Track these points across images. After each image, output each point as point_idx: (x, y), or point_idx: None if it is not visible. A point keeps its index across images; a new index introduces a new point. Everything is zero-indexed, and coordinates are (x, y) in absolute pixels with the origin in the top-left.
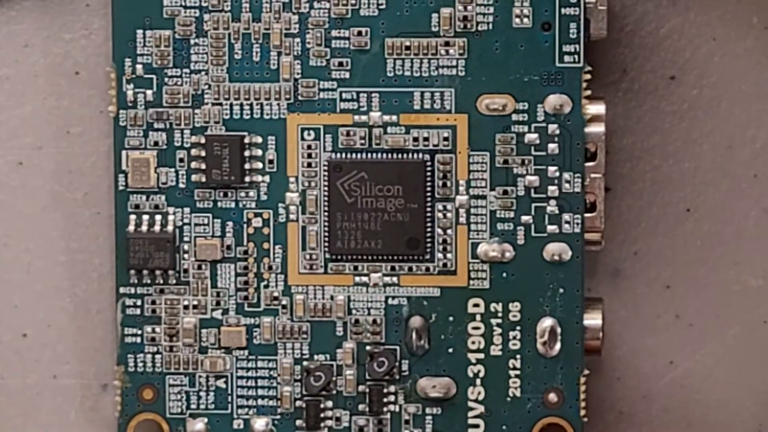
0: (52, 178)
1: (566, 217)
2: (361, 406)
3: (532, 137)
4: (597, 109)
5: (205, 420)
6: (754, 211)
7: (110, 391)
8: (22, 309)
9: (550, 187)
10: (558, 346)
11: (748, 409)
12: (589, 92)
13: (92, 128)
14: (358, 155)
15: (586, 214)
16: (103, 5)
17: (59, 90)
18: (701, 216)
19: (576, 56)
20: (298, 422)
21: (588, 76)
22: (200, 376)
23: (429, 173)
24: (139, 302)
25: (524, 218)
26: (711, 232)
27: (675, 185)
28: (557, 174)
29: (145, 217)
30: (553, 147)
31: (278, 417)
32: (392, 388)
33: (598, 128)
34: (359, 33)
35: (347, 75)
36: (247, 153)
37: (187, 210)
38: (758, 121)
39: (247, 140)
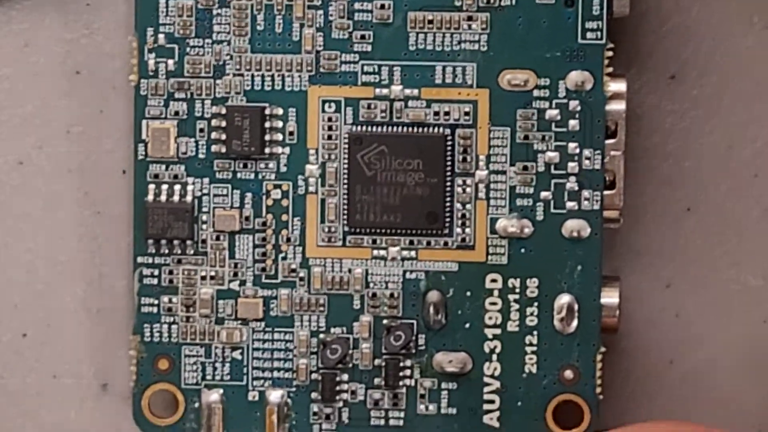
0: (52, 178)
1: (585, 193)
2: (376, 380)
3: (552, 113)
4: (618, 86)
5: (221, 391)
6: (755, 210)
7: (110, 391)
8: (22, 309)
9: (570, 164)
10: (575, 323)
11: (748, 409)
12: (610, 69)
13: (92, 128)
14: (379, 128)
15: (605, 192)
16: (103, 5)
17: (59, 90)
18: (702, 215)
19: (599, 33)
20: (314, 395)
21: (610, 53)
22: (216, 347)
23: (449, 148)
24: (156, 272)
25: (543, 194)
26: (711, 232)
27: (675, 185)
28: (577, 150)
29: (164, 186)
30: (573, 123)
31: (294, 389)
32: (408, 363)
33: (618, 106)
34: (382, 6)
35: (369, 48)
36: (267, 124)
37: (206, 180)
38: (758, 121)
39: (267, 111)
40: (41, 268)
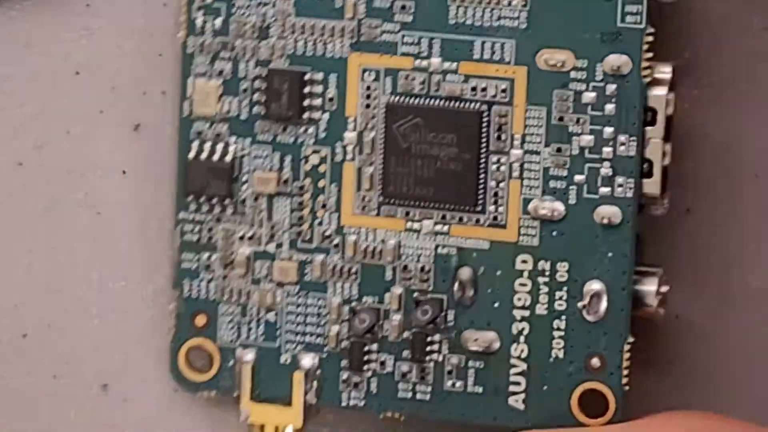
0: (52, 179)
1: (619, 180)
2: (405, 353)
3: (589, 96)
4: (662, 72)
5: (254, 351)
6: (755, 210)
7: (110, 392)
8: (22, 309)
9: (605, 149)
10: (601, 310)
11: (748, 410)
12: (650, 54)
13: (92, 128)
14: (416, 100)
15: (645, 180)
16: (103, 5)
17: (59, 90)
18: (701, 216)
19: (638, 17)
20: (344, 362)
21: (650, 38)
22: (251, 308)
23: (485, 124)
24: (196, 229)
25: (577, 178)
26: (711, 232)
27: (675, 185)
28: (612, 135)
29: (207, 144)
30: (610, 108)
31: (325, 355)
32: (437, 337)
33: (660, 92)
34: None
35: (410, 18)
36: (307, 89)
37: (247, 141)
38: (758, 121)
39: (308, 76)
40: (41, 268)
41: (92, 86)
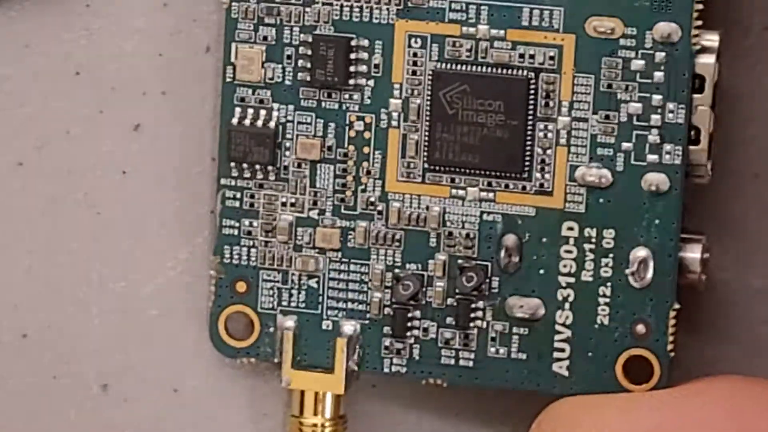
0: (52, 178)
1: (667, 147)
2: (448, 320)
3: (638, 64)
4: (709, 40)
5: (295, 318)
6: (754, 211)
7: (110, 392)
8: (22, 309)
9: (653, 116)
10: (648, 277)
11: None
12: (699, 23)
13: (92, 128)
14: (463, 67)
15: (691, 147)
16: (103, 6)
17: (59, 90)
18: (702, 215)
19: None
20: (386, 329)
21: (700, 6)
22: (293, 274)
23: (532, 91)
24: (238, 195)
25: (625, 145)
26: (711, 232)
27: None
28: (661, 103)
29: (250, 111)
30: (659, 75)
31: (366, 322)
32: (481, 304)
33: (708, 59)
34: None
35: None
36: (353, 56)
37: (291, 107)
38: (758, 121)
39: (354, 43)
40: (41, 269)
41: (92, 86)
